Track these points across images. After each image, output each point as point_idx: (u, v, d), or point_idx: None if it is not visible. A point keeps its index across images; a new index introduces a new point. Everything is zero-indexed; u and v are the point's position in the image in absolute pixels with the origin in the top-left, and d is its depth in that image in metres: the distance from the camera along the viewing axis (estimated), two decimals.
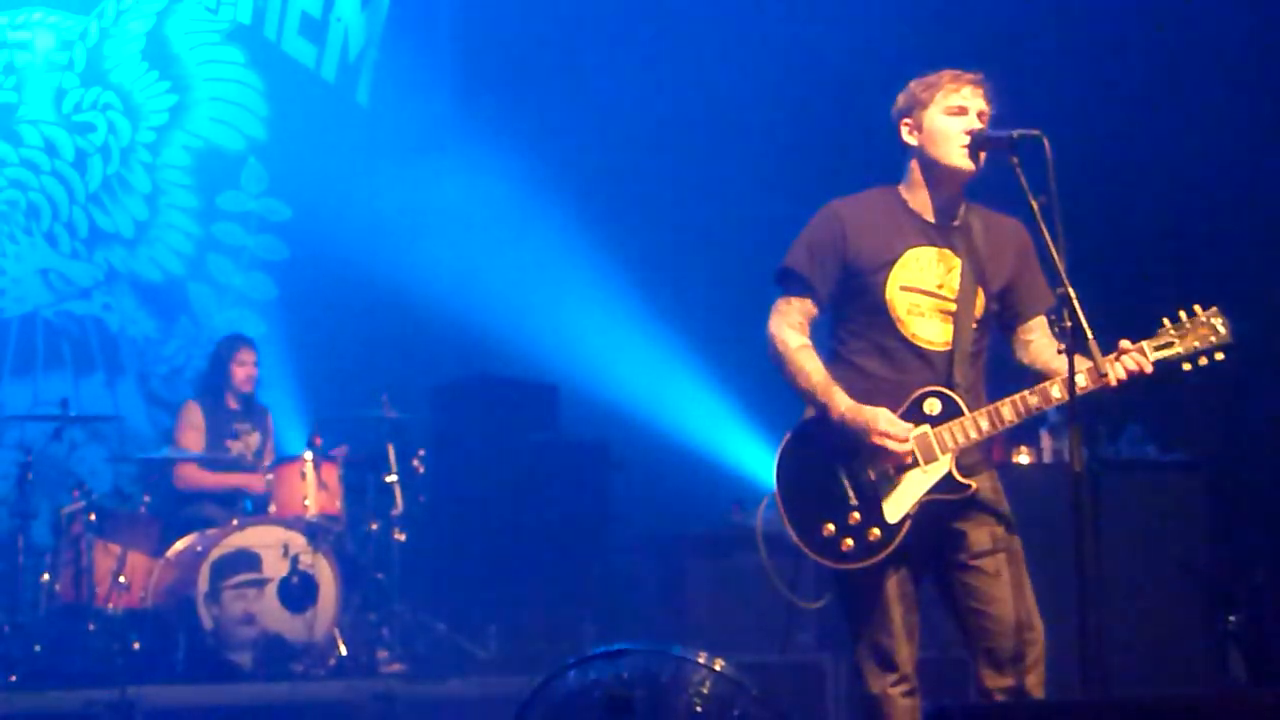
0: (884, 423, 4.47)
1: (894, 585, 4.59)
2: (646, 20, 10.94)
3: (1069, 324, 4.23)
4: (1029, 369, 4.73)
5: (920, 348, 4.59)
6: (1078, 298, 4.23)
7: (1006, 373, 4.77)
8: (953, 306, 4.61)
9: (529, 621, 9.13)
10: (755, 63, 10.73)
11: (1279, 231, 8.92)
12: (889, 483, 4.51)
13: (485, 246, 10.70)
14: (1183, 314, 4.53)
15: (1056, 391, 4.45)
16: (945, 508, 4.54)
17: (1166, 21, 9.34)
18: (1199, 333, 4.50)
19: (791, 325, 4.65)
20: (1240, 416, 8.75)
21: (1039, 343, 4.72)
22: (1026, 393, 4.53)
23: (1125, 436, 8.18)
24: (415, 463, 8.85)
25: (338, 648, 8.12)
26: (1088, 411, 4.43)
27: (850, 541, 4.51)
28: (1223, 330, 4.50)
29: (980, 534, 4.59)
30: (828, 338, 4.77)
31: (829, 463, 4.56)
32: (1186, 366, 4.51)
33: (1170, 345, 4.49)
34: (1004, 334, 4.80)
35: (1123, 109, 9.49)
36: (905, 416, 4.53)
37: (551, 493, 9.61)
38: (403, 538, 8.74)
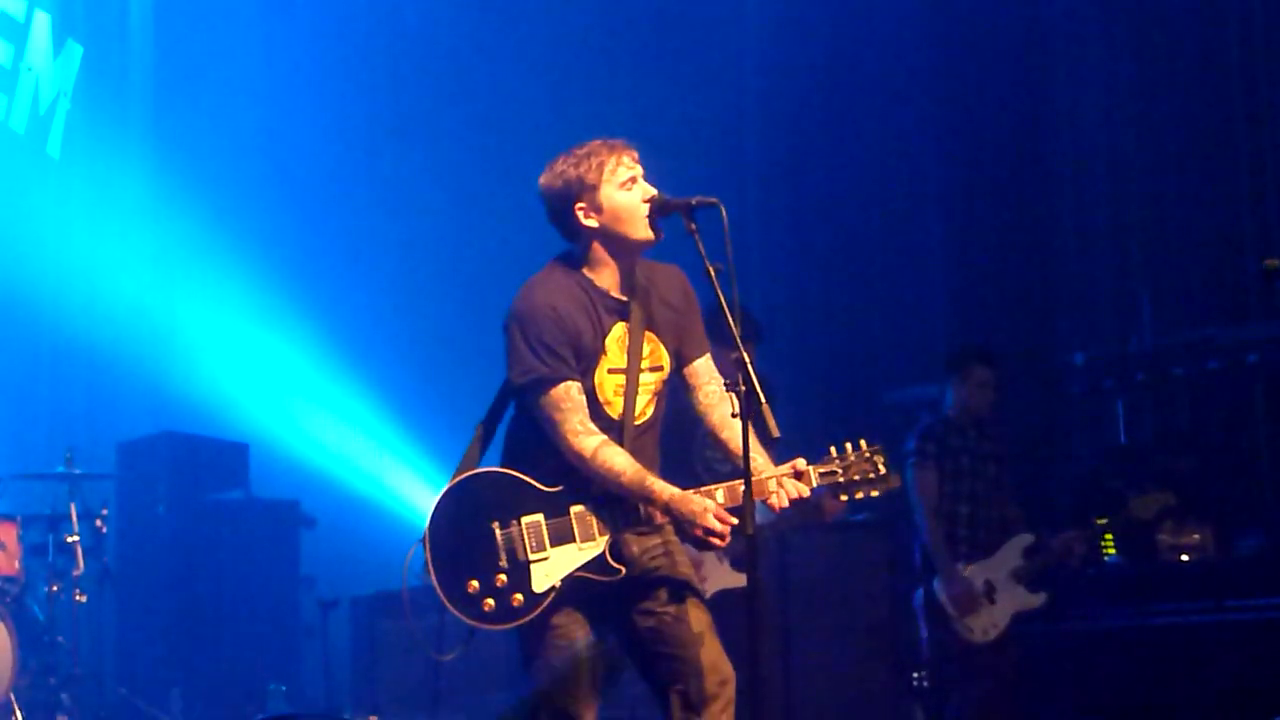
0: (709, 519, 4.39)
1: (583, 645, 4.57)
2: (337, 75, 11.10)
3: (743, 388, 4.24)
4: (703, 420, 4.71)
5: (619, 424, 4.57)
6: (751, 362, 4.25)
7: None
8: (649, 378, 4.62)
9: (214, 684, 9.01)
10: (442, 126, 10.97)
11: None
12: (542, 552, 4.48)
13: (176, 302, 10.57)
14: (849, 445, 4.53)
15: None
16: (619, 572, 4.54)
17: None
18: (860, 467, 4.52)
19: (575, 430, 4.47)
20: None
21: (708, 390, 4.70)
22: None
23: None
24: (98, 522, 8.64)
25: (14, 713, 7.86)
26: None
27: (492, 602, 4.45)
28: (883, 469, 4.53)
29: (663, 586, 4.60)
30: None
31: (486, 520, 4.50)
32: (843, 497, 4.56)
33: (834, 474, 4.52)
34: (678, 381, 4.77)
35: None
36: (574, 493, 4.52)
37: (241, 552, 9.53)
38: (84, 599, 8.51)
